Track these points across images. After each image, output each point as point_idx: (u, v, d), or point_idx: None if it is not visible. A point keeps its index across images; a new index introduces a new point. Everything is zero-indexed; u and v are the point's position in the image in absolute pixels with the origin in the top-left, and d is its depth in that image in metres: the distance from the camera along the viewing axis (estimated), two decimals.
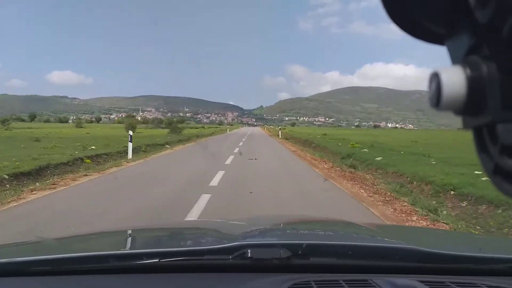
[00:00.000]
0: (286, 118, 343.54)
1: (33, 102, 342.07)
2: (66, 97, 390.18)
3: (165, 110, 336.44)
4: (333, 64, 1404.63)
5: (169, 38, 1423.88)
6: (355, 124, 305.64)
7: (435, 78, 0.27)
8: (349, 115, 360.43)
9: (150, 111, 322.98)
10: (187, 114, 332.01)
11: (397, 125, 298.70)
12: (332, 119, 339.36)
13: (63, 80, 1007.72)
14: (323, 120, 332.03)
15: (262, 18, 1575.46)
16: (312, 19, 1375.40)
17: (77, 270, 1.06)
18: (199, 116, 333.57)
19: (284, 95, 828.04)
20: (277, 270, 1.06)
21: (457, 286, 0.96)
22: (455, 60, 0.28)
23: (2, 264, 1.08)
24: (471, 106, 0.26)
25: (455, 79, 0.26)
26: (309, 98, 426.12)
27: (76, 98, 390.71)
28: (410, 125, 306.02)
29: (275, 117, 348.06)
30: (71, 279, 1.04)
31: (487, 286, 0.97)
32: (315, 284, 0.95)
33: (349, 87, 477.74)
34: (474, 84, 0.26)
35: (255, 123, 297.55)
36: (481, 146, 0.28)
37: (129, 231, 1.83)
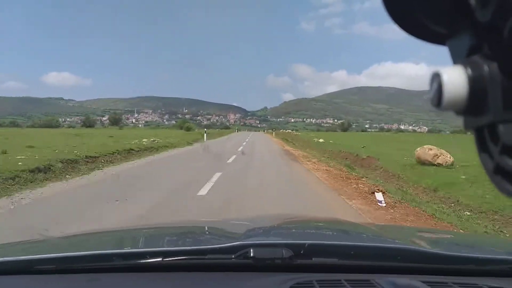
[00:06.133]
0: (292, 120, 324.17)
1: (27, 103, 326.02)
2: (62, 98, 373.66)
3: (163, 112, 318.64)
4: (339, 63, 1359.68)
5: (169, 38, 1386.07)
6: (366, 126, 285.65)
7: (436, 78, 0.27)
8: (358, 117, 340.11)
9: (147, 112, 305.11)
10: (186, 116, 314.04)
11: (410, 127, 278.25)
12: (340, 121, 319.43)
13: (61, 81, 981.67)
14: (331, 122, 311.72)
15: (266, 18, 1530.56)
16: (315, 20, 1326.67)
17: (81, 269, 1.07)
18: (199, 117, 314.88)
19: (289, 96, 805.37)
20: (279, 269, 1.06)
21: (459, 286, 0.96)
22: (456, 60, 0.28)
23: (7, 262, 1.09)
24: (472, 106, 0.26)
25: (456, 79, 0.26)
26: (315, 98, 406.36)
27: (71, 100, 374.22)
28: (425, 127, 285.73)
29: (280, 119, 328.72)
30: (75, 278, 1.05)
31: (489, 287, 0.97)
32: (317, 283, 0.95)
33: (357, 87, 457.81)
34: (475, 84, 0.25)
35: (258, 125, 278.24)
36: (482, 146, 0.28)
37: (133, 230, 1.84)
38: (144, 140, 19.51)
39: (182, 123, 48.38)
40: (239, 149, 18.91)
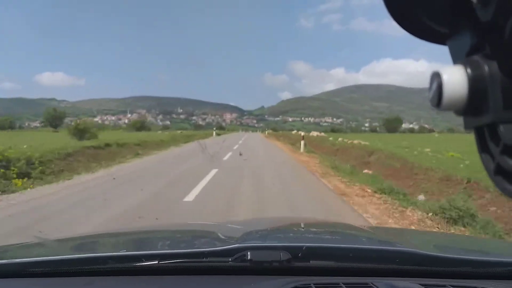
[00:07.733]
0: (290, 119, 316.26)
1: (18, 105, 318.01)
2: (54, 99, 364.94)
3: (157, 112, 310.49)
4: (337, 61, 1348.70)
5: (165, 38, 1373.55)
6: (366, 125, 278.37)
7: (436, 77, 0.27)
8: (358, 115, 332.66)
9: (140, 113, 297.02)
10: (181, 116, 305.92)
11: (411, 125, 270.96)
12: (340, 120, 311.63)
13: (55, 82, 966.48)
14: (330, 120, 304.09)
15: (264, 16, 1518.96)
16: (314, 16, 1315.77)
17: (76, 272, 1.07)
18: (194, 117, 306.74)
19: (286, 95, 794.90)
20: (277, 272, 1.06)
21: None
22: (456, 59, 0.28)
23: (2, 265, 1.09)
24: (472, 106, 0.26)
25: (456, 79, 0.26)
26: (313, 97, 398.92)
27: (64, 100, 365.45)
28: (426, 125, 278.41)
29: (278, 118, 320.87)
30: (70, 281, 1.04)
31: None
32: (315, 287, 0.95)
33: (355, 85, 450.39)
34: (475, 84, 0.25)
35: (255, 125, 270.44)
36: (483, 146, 0.28)
37: (129, 233, 1.85)
38: None
39: (134, 123, 31.47)
40: None
